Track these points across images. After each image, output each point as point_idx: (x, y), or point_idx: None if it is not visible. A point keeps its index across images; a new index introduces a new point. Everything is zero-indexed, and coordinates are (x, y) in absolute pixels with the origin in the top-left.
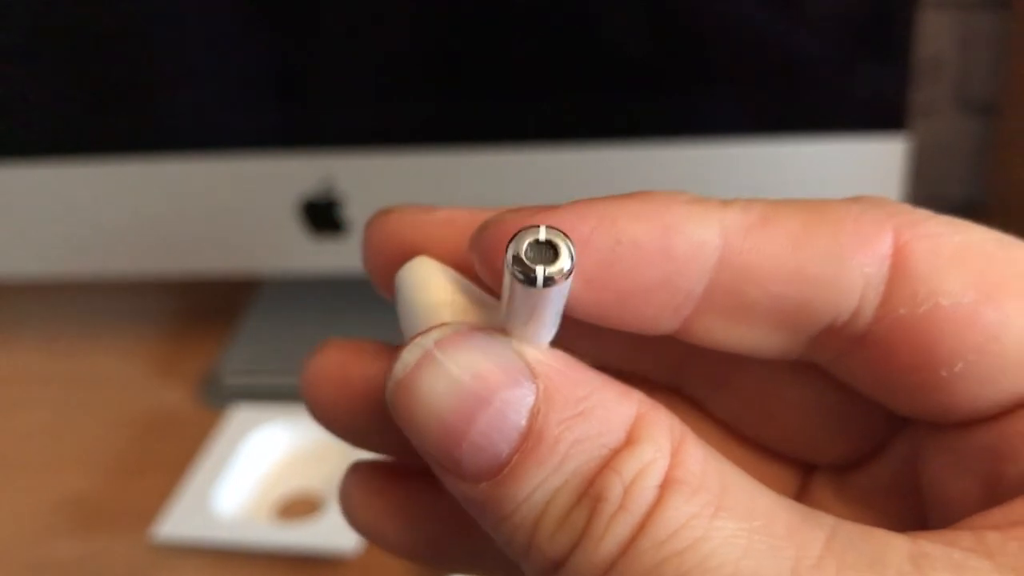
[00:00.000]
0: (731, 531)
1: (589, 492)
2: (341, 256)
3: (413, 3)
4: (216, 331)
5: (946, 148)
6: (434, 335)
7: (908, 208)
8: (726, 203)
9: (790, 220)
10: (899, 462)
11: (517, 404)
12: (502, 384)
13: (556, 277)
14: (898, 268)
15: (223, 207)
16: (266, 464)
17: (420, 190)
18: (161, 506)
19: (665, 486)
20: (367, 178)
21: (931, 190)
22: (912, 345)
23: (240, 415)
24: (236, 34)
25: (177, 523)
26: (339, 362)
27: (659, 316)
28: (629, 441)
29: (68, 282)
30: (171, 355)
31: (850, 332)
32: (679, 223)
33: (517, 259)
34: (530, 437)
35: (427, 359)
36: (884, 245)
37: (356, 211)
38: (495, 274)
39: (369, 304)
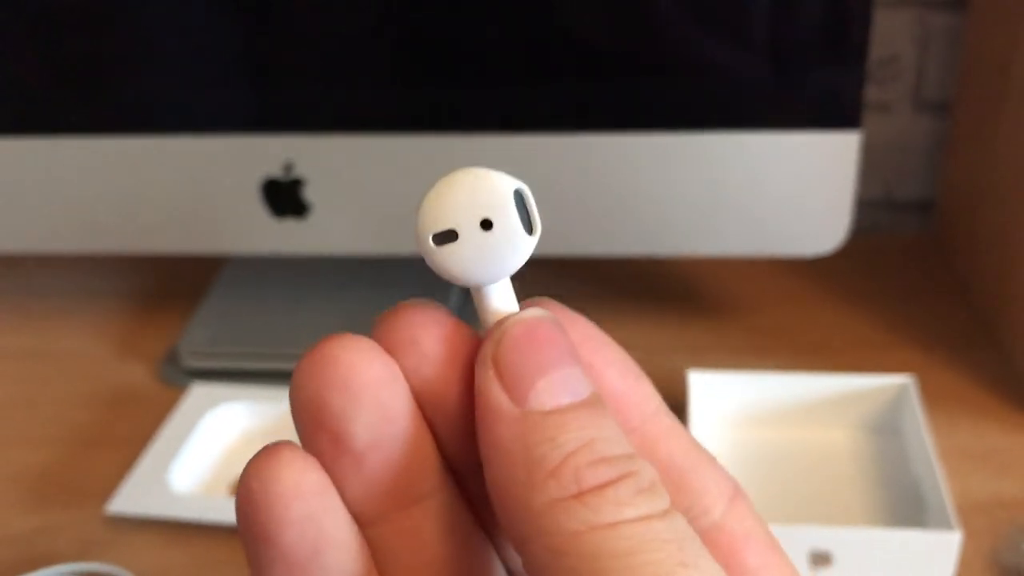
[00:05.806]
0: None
1: (627, 459)
2: (304, 237)
3: None
4: (179, 309)
5: (901, 146)
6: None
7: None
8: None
9: (688, 437)
10: None
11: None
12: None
13: None
14: (732, 504)
15: (186, 187)
16: (224, 442)
17: (381, 173)
18: (117, 482)
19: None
20: (329, 160)
21: (884, 188)
22: (734, 546)
23: (199, 393)
24: (201, 16)
25: (131, 498)
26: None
27: None
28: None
29: (30, 258)
30: (133, 332)
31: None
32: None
33: None
34: (595, 397)
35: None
36: (731, 485)
37: (318, 193)
38: None
39: (331, 284)
